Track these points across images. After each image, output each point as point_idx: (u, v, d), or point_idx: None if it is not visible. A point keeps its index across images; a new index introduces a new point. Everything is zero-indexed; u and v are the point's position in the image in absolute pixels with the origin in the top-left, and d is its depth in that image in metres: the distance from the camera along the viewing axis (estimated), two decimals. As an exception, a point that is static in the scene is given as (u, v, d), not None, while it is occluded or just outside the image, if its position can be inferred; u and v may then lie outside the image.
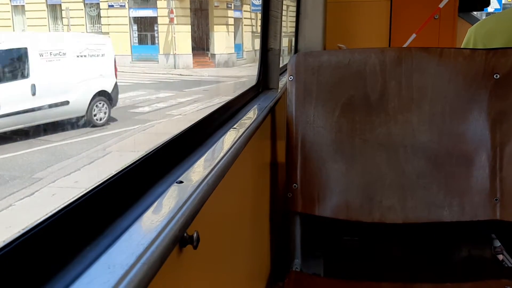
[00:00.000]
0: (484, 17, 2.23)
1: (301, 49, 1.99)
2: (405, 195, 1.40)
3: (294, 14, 2.13)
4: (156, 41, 21.56)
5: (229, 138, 1.02)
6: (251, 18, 23.17)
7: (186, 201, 0.65)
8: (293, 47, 2.28)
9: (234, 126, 1.13)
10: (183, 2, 20.73)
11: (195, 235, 0.63)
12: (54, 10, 22.75)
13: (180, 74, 18.94)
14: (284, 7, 1.87)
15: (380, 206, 1.39)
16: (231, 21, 22.01)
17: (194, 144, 0.94)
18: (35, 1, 22.37)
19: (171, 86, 15.96)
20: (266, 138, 1.55)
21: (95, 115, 7.35)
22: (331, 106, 1.43)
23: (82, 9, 22.26)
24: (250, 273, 1.29)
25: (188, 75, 18.64)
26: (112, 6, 21.74)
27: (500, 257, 1.69)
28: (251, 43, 22.88)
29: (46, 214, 0.51)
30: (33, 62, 6.24)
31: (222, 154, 0.88)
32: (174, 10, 20.51)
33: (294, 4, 2.17)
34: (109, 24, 21.86)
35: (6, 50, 6.21)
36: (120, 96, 13.80)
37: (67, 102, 6.65)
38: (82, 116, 7.09)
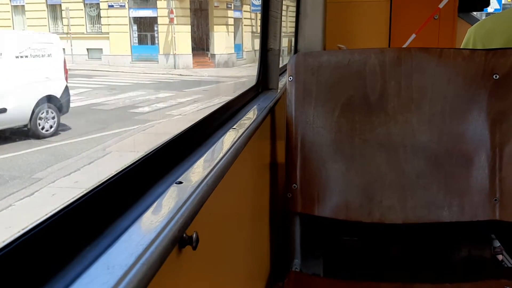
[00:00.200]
0: (484, 18, 2.24)
1: (300, 49, 1.99)
2: (405, 195, 1.40)
3: (294, 14, 2.13)
4: (156, 41, 21.56)
5: (229, 139, 1.02)
6: (251, 18, 23.18)
7: (186, 201, 0.65)
8: (292, 47, 2.29)
9: (234, 127, 1.13)
10: (183, 2, 20.73)
11: (194, 235, 0.63)
12: (54, 10, 22.75)
13: (180, 74, 18.94)
14: (284, 7, 1.87)
15: (379, 206, 1.39)
16: (231, 21, 22.02)
17: (193, 145, 0.94)
18: (35, 1, 22.37)
19: (171, 86, 15.96)
20: (266, 138, 1.55)
21: (40, 124, 6.31)
22: (330, 106, 1.43)
23: (82, 9, 22.26)
24: (250, 273, 1.29)
25: (188, 75, 18.64)
26: (112, 6, 21.75)
27: (500, 257, 1.69)
28: (251, 43, 22.89)
29: (46, 215, 0.51)
30: (-43, 63, 5.15)
31: (221, 155, 0.88)
32: (174, 10, 20.51)
33: (294, 4, 2.17)
34: (109, 24, 21.87)
35: None
36: (119, 96, 13.79)
37: (4, 110, 5.67)
38: (25, 125, 6.10)
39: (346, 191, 1.41)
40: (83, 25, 22.37)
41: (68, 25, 22.00)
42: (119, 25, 21.80)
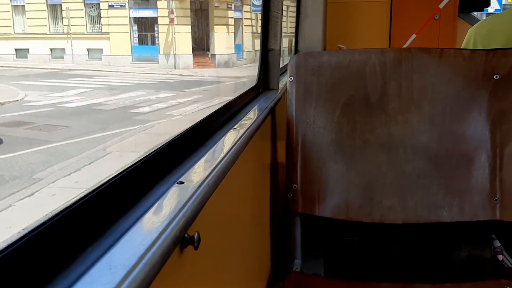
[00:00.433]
0: (484, 18, 2.24)
1: (301, 50, 2.00)
2: (405, 196, 1.40)
3: (294, 14, 2.13)
4: (156, 42, 21.57)
5: (230, 139, 1.02)
6: (251, 19, 23.18)
7: (187, 201, 0.65)
8: (293, 48, 2.29)
9: (235, 127, 1.14)
10: (184, 2, 20.73)
11: (196, 235, 0.63)
12: (55, 10, 22.77)
13: (180, 75, 18.95)
14: (284, 8, 1.87)
15: (380, 206, 1.40)
16: (231, 21, 22.02)
17: (194, 145, 0.94)
18: (35, 1, 22.39)
19: (171, 87, 15.97)
20: (267, 138, 1.55)
21: None
22: (331, 107, 1.43)
23: (83, 9, 22.27)
24: (251, 273, 1.30)
25: (188, 76, 18.65)
26: (113, 6, 21.75)
27: (500, 257, 1.69)
28: (251, 44, 22.89)
29: (47, 215, 0.51)
30: None
31: (222, 155, 0.88)
32: (174, 10, 20.51)
33: (295, 4, 2.18)
34: (109, 25, 21.88)
35: None
36: (120, 96, 13.81)
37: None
38: None
39: (346, 191, 1.41)
40: (84, 25, 22.39)
41: (68, 25, 22.02)
42: (119, 25, 21.81)
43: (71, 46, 22.14)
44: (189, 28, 20.96)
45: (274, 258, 1.59)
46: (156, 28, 21.50)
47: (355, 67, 1.44)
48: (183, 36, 20.76)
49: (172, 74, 19.09)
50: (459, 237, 1.71)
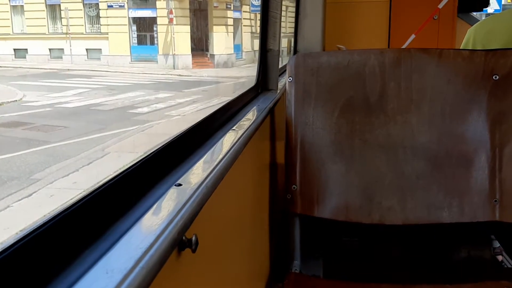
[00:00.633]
0: (483, 18, 2.23)
1: (300, 50, 1.99)
2: (405, 196, 1.39)
3: (293, 14, 2.13)
4: (155, 42, 21.56)
5: (228, 140, 1.02)
6: (250, 19, 23.18)
7: (185, 204, 0.64)
8: (292, 48, 2.28)
9: (233, 128, 1.13)
10: (183, 2, 20.73)
11: (193, 238, 0.63)
12: (53, 11, 22.75)
13: (179, 75, 18.94)
14: (284, 8, 1.86)
15: (379, 207, 1.39)
16: (230, 21, 22.02)
17: (193, 146, 0.94)
18: (34, 1, 22.37)
19: (170, 87, 15.96)
20: (266, 139, 1.55)
21: None
22: (330, 107, 1.43)
23: (81, 9, 22.25)
24: (250, 275, 1.29)
25: (187, 76, 18.64)
26: (111, 6, 21.74)
27: (500, 258, 1.69)
28: (250, 44, 22.89)
29: (44, 218, 0.50)
30: None
31: (221, 156, 0.87)
32: (173, 10, 20.50)
33: (293, 4, 2.17)
34: (108, 25, 21.86)
35: None
36: (119, 96, 13.79)
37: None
38: None
39: (345, 192, 1.41)
40: (82, 25, 22.37)
41: (67, 25, 21.99)
42: (118, 25, 21.80)
43: (70, 46, 22.12)
44: (188, 28, 20.95)
45: (273, 259, 1.59)
46: (155, 28, 21.49)
47: (354, 67, 1.43)
48: (182, 36, 20.75)
49: (171, 74, 19.08)
50: (459, 237, 1.70)
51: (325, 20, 1.99)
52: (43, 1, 22.57)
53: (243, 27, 22.75)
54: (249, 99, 1.55)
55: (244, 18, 22.83)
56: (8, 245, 0.44)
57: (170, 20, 20.54)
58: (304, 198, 1.41)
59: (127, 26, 21.87)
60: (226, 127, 1.14)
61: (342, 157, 1.42)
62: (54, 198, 5.33)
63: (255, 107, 1.45)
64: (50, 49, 22.60)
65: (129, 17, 21.79)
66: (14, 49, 22.95)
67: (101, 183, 0.61)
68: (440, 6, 3.36)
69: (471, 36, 1.99)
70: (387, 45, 3.41)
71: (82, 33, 22.36)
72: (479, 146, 1.38)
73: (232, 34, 22.17)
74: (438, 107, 1.41)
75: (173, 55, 20.75)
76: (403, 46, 3.33)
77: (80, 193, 0.57)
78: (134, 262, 0.49)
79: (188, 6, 20.90)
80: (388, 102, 1.42)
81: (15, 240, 0.45)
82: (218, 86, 17.76)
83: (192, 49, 21.11)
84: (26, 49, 22.73)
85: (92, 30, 22.55)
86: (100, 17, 22.04)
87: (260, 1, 1.74)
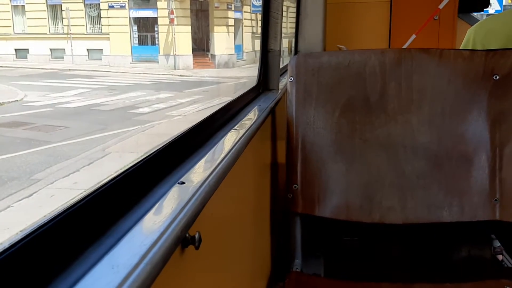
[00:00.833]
0: (484, 18, 2.24)
1: (301, 50, 2.00)
2: (405, 196, 1.40)
3: (294, 15, 2.13)
4: (156, 42, 21.56)
5: (230, 139, 1.03)
6: (251, 19, 23.18)
7: (188, 202, 0.65)
8: (293, 48, 2.29)
9: (235, 127, 1.14)
10: (184, 3, 20.73)
11: (197, 235, 0.64)
12: (55, 11, 22.76)
13: (180, 75, 18.94)
14: (284, 8, 1.87)
15: (380, 206, 1.40)
16: (231, 22, 22.01)
17: (195, 145, 0.94)
18: (35, 1, 22.39)
19: (171, 87, 15.96)
20: (267, 139, 1.55)
21: None
22: (331, 107, 1.44)
23: (82, 10, 22.26)
24: (251, 273, 1.30)
25: (188, 76, 18.64)
26: (113, 6, 21.75)
27: (500, 257, 1.69)
28: (251, 44, 22.89)
29: (49, 215, 0.51)
30: None
31: (223, 155, 0.88)
32: (174, 11, 20.51)
33: (294, 5, 2.18)
34: (109, 25, 21.87)
35: None
36: (120, 96, 13.79)
37: None
38: None
39: (346, 192, 1.41)
40: (84, 25, 22.38)
41: (68, 26, 22.01)
42: (119, 26, 21.80)
43: (71, 46, 22.14)
44: (189, 28, 20.96)
45: (274, 258, 1.60)
46: (156, 29, 21.49)
47: (354, 67, 1.44)
48: (183, 37, 20.76)
49: (172, 75, 19.08)
50: (459, 237, 1.71)
51: (326, 21, 2.00)
52: (44, 1, 22.58)
53: (244, 28, 22.75)
54: (250, 99, 1.56)
55: (245, 19, 22.83)
56: (16, 241, 0.45)
57: (171, 21, 20.55)
58: (305, 198, 1.42)
59: (128, 26, 21.88)
60: (227, 126, 1.15)
61: (343, 157, 1.42)
62: (54, 198, 5.33)
63: (256, 107, 1.45)
64: (51, 49, 22.62)
65: (130, 18, 21.80)
66: (15, 49, 22.97)
67: (105, 182, 0.62)
68: (441, 6, 3.36)
69: (471, 36, 2.00)
70: (387, 45, 3.41)
71: (83, 33, 22.37)
72: (479, 146, 1.39)
73: (233, 34, 22.17)
74: (439, 107, 1.41)
75: (174, 55, 20.76)
76: (404, 46, 3.34)
77: (81, 193, 0.58)
78: (139, 258, 0.50)
79: (189, 7, 20.90)
80: (389, 102, 1.43)
81: (23, 236, 0.46)
82: (219, 87, 17.76)
83: (193, 50, 21.11)
84: (27, 49, 22.75)
85: (93, 30, 22.56)
86: (101, 17, 22.05)
87: (261, 2, 1.75)
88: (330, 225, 1.72)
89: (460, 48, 2.08)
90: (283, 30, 1.87)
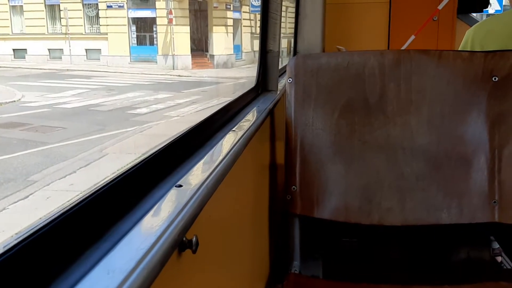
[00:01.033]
0: (483, 19, 2.24)
1: (300, 51, 1.99)
2: (404, 197, 1.40)
3: (293, 15, 2.13)
4: (155, 42, 21.54)
5: (228, 141, 1.02)
6: (250, 19, 23.18)
7: (185, 205, 0.64)
8: (292, 49, 2.28)
9: (233, 129, 1.13)
10: (182, 3, 20.72)
11: (194, 239, 0.63)
12: (53, 11, 22.74)
13: (179, 75, 18.93)
14: (283, 9, 1.87)
15: (379, 208, 1.39)
16: (230, 22, 22.02)
17: (193, 147, 0.94)
18: (33, 1, 22.35)
19: (170, 87, 15.95)
20: (265, 140, 1.55)
21: None
22: (330, 108, 1.43)
23: (81, 10, 22.24)
24: (250, 275, 1.29)
25: (187, 76, 18.64)
26: (111, 6, 21.73)
27: (499, 259, 1.69)
28: (250, 44, 22.89)
29: (45, 218, 0.50)
30: None
31: (221, 157, 0.87)
32: (173, 11, 20.49)
33: (293, 5, 2.17)
34: (107, 25, 21.85)
35: None
36: (118, 97, 13.78)
37: None
38: None
39: (345, 193, 1.41)
40: (82, 25, 22.36)
41: (66, 26, 21.99)
42: (117, 26, 21.78)
43: (69, 46, 22.11)
44: (187, 28, 20.95)
45: (272, 260, 1.59)
46: (154, 29, 21.48)
47: (353, 69, 1.44)
48: (182, 37, 20.75)
49: (171, 75, 19.07)
50: (458, 239, 1.71)
51: (325, 21, 1.99)
52: (43, 1, 22.55)
53: (242, 28, 22.76)
54: (249, 100, 1.55)
55: (244, 19, 22.84)
56: (10, 246, 0.44)
57: (170, 21, 20.54)
58: (304, 199, 1.42)
59: (127, 26, 21.86)
60: (226, 128, 1.15)
61: (342, 158, 1.42)
62: (50, 200, 5.31)
63: (255, 108, 1.45)
64: (49, 49, 22.59)
65: (128, 18, 21.78)
66: (13, 49, 22.94)
67: (102, 184, 0.61)
68: (440, 7, 3.36)
69: (470, 37, 1.99)
70: (386, 46, 3.41)
71: (81, 33, 22.35)
72: (479, 148, 1.39)
73: (231, 34, 22.17)
74: (438, 108, 1.41)
75: (173, 55, 20.75)
76: (403, 47, 3.34)
77: (77, 196, 0.57)
78: (135, 263, 0.49)
79: (187, 7, 20.89)
80: (388, 103, 1.42)
81: (18, 241, 0.45)
82: (217, 87, 17.76)
83: (192, 50, 21.11)
84: (25, 49, 22.72)
85: (91, 31, 22.54)
86: (99, 17, 22.03)
87: (260, 2, 1.74)
88: (329, 227, 1.71)
89: (459, 49, 2.08)
90: (282, 31, 1.86)
